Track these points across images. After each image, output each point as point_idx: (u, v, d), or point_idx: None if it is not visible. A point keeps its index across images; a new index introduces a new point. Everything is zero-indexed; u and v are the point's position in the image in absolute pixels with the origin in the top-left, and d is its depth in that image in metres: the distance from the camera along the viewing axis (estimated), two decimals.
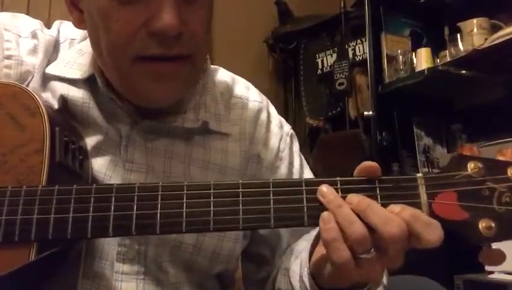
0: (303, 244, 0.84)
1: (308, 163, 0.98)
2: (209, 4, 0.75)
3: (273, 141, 0.92)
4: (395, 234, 0.56)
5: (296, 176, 0.93)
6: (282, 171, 0.91)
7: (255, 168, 0.89)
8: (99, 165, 0.78)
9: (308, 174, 0.96)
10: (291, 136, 0.95)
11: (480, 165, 0.60)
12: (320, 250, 0.66)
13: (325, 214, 0.59)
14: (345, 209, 0.59)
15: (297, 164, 0.94)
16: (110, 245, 0.76)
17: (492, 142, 1.78)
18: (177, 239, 0.78)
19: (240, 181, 0.63)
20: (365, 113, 2.19)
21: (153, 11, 0.68)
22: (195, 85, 0.83)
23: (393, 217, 0.57)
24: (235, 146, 0.87)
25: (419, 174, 0.62)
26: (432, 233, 0.57)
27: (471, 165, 0.61)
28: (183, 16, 0.69)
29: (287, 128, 0.96)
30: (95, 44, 0.75)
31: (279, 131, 0.93)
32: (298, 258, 0.81)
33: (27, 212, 0.62)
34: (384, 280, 0.70)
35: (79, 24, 0.77)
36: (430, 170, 2.21)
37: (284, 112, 2.67)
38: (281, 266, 0.87)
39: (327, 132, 2.46)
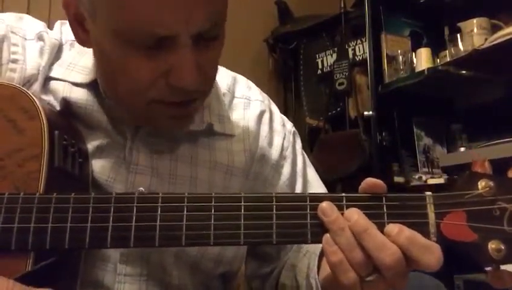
0: None
1: None
2: (223, 39, 0.73)
3: (277, 140, 0.91)
4: (388, 263, 0.56)
5: (299, 174, 0.92)
6: (286, 169, 0.91)
7: (260, 167, 0.89)
8: (103, 167, 0.77)
9: (311, 172, 0.95)
10: (293, 134, 0.95)
11: (491, 183, 0.58)
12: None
13: (329, 235, 0.58)
14: (346, 233, 0.58)
15: (300, 163, 0.94)
16: None
17: (492, 142, 1.77)
18: None
19: (242, 194, 0.61)
20: (365, 113, 2.18)
21: (173, 64, 0.66)
22: None
23: (388, 245, 0.56)
24: (239, 146, 0.87)
25: (428, 193, 0.60)
26: (430, 258, 0.56)
27: (482, 184, 0.59)
28: (200, 63, 0.68)
29: (289, 126, 0.96)
30: (106, 77, 0.74)
31: (282, 129, 0.93)
32: (306, 257, 0.81)
33: (24, 220, 0.61)
34: None
35: (83, 43, 0.75)
36: (430, 170, 2.21)
37: (284, 112, 2.63)
38: (287, 261, 0.88)
39: (327, 132, 2.45)
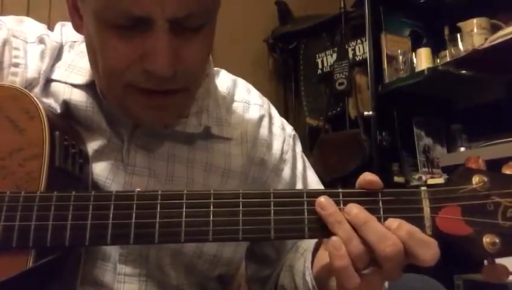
0: (308, 242, 0.84)
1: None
2: (209, 37, 0.73)
3: (277, 144, 0.92)
4: (389, 254, 0.56)
5: (299, 177, 0.93)
6: (286, 173, 0.91)
7: (259, 170, 0.89)
8: (101, 169, 0.78)
9: (311, 175, 0.96)
10: (293, 138, 0.96)
11: (485, 178, 0.59)
12: (322, 255, 0.67)
13: (335, 239, 0.59)
14: (344, 226, 0.58)
15: (300, 166, 0.94)
16: (113, 247, 0.76)
17: (492, 142, 1.78)
18: None
19: (241, 191, 0.62)
20: (365, 113, 2.19)
21: (148, 48, 0.66)
22: (193, 101, 0.83)
23: (389, 236, 0.57)
24: (237, 149, 0.87)
25: (423, 187, 0.61)
26: (427, 253, 0.57)
27: (476, 179, 0.60)
28: (179, 53, 0.68)
29: (289, 129, 0.96)
30: (91, 58, 0.74)
31: (282, 133, 0.94)
32: (302, 257, 0.82)
33: (25, 218, 0.62)
34: (386, 284, 0.70)
35: (78, 29, 0.77)
36: (430, 170, 2.21)
37: (284, 112, 2.67)
38: (285, 262, 0.88)
39: (327, 132, 2.45)
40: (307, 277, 0.71)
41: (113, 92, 0.73)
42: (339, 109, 2.43)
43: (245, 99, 0.93)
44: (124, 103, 0.73)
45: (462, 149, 2.14)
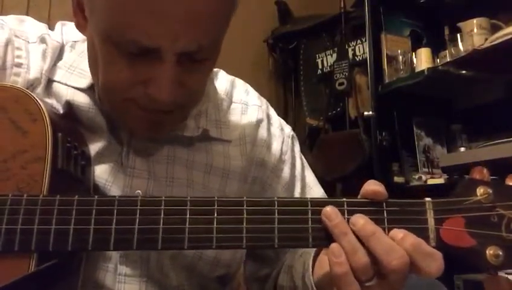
0: None
1: (308, 163, 0.99)
2: (213, 63, 0.74)
3: (276, 144, 0.92)
4: (396, 266, 0.56)
5: (298, 178, 0.93)
6: (285, 173, 0.92)
7: (259, 171, 0.90)
8: (101, 171, 0.78)
9: (309, 175, 0.97)
10: (292, 138, 0.96)
11: (489, 190, 0.59)
12: (324, 260, 0.67)
13: (334, 246, 0.59)
14: (349, 237, 0.58)
15: (298, 166, 0.95)
16: None
17: (492, 142, 1.78)
18: None
19: (245, 198, 0.62)
20: (365, 113, 2.18)
21: (153, 76, 0.67)
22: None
23: (396, 248, 0.57)
24: (236, 150, 0.88)
25: (428, 199, 0.61)
26: (432, 265, 0.57)
27: (480, 190, 0.60)
28: (182, 80, 0.68)
29: (288, 130, 0.97)
30: (92, 64, 0.74)
31: (281, 133, 0.94)
32: (302, 257, 0.82)
33: (28, 222, 0.62)
34: None
35: (81, 29, 0.76)
36: (430, 170, 2.21)
37: (284, 112, 2.67)
38: (285, 263, 0.88)
39: (327, 132, 2.45)
40: (306, 279, 0.72)
41: (112, 103, 0.74)
42: (339, 109, 2.42)
43: (243, 100, 0.93)
44: (121, 113, 0.74)
45: (462, 149, 2.14)
